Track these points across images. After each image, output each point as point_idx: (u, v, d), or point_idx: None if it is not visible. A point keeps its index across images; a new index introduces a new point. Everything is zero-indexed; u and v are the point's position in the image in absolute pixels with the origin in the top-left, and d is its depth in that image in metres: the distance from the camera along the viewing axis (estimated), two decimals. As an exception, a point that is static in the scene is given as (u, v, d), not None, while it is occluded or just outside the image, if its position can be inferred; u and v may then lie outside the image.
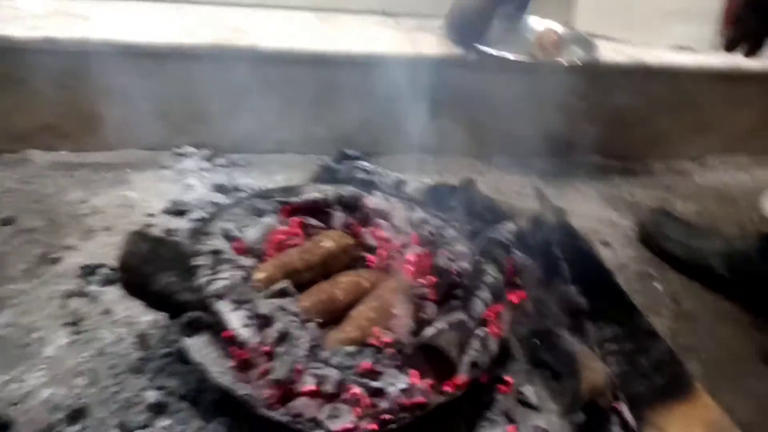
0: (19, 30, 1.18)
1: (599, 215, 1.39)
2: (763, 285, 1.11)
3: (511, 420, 0.82)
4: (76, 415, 0.76)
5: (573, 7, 1.57)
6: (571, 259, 1.03)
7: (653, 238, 1.27)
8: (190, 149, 1.32)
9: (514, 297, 1.00)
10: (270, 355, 0.74)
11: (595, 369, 0.85)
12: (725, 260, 1.16)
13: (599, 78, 1.48)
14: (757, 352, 1.06)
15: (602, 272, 1.07)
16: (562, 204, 1.35)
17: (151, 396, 0.78)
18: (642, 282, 1.19)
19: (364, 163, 1.25)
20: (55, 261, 1.00)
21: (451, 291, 0.89)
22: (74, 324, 0.89)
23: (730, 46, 0.98)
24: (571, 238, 1.10)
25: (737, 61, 1.55)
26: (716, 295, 1.18)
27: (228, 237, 0.92)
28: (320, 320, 0.80)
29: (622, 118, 1.55)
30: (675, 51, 1.55)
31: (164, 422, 0.76)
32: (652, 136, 1.61)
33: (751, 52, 0.97)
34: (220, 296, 0.75)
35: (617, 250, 1.27)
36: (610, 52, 1.48)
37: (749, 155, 1.72)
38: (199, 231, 0.87)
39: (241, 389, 0.72)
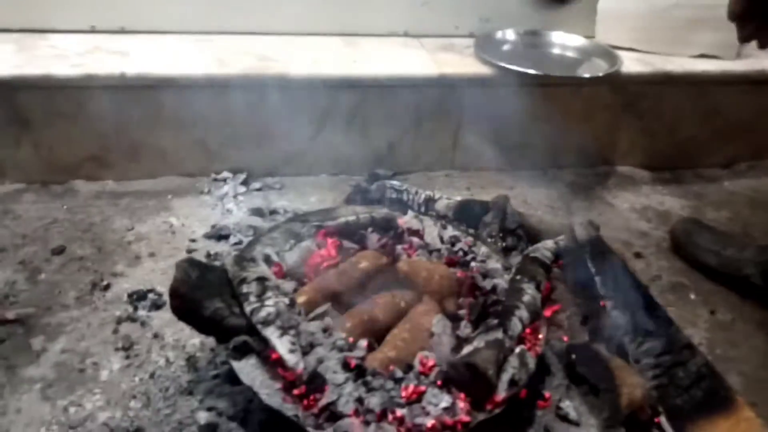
0: (62, 68, 1.24)
1: (630, 226, 1.39)
2: None
3: (551, 435, 0.83)
4: (134, 437, 0.80)
5: (595, 20, 1.59)
6: (605, 274, 1.04)
7: (686, 248, 1.27)
8: (228, 174, 1.37)
9: (548, 312, 1.02)
10: (315, 379, 0.76)
11: (634, 383, 0.86)
12: (761, 269, 1.15)
13: (624, 89, 1.49)
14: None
15: (636, 285, 1.08)
16: (591, 216, 1.37)
17: (202, 417, 0.81)
18: (677, 293, 1.19)
19: (395, 183, 1.28)
20: (106, 288, 1.05)
21: (487, 309, 0.91)
22: (126, 349, 0.93)
23: (743, 41, 0.99)
24: (604, 252, 1.11)
25: (762, 66, 1.55)
26: (752, 304, 1.17)
27: (269, 262, 0.96)
28: (366, 341, 0.82)
29: (648, 127, 1.56)
30: (699, 59, 1.56)
31: (216, 442, 0.79)
32: (680, 145, 1.61)
33: (764, 45, 0.97)
34: (267, 322, 0.78)
35: (651, 262, 1.27)
36: (633, 63, 1.49)
37: (779, 160, 1.70)
38: (243, 257, 0.91)
39: (290, 410, 0.75)
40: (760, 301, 1.17)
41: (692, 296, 1.19)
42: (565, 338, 1.02)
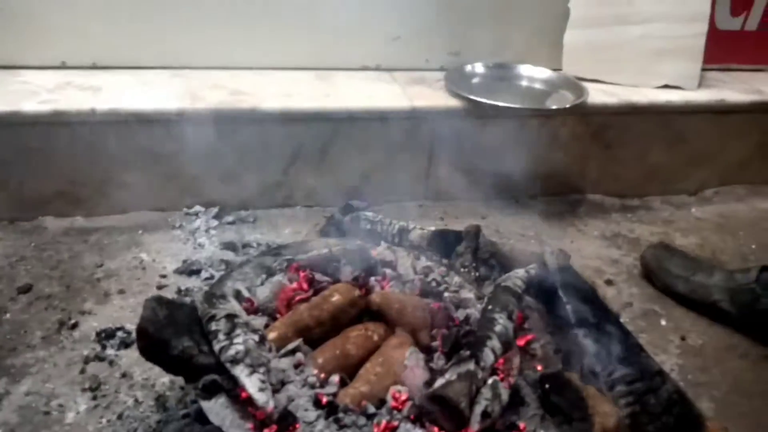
0: (30, 105, 1.23)
1: (601, 253, 1.41)
2: None
3: (526, 466, 0.83)
4: (99, 482, 0.77)
5: (562, 52, 1.63)
6: (576, 303, 1.05)
7: (656, 275, 1.29)
8: (200, 209, 1.36)
9: (522, 341, 1.03)
10: (286, 417, 0.75)
11: (606, 411, 0.86)
12: (730, 295, 1.17)
13: (591, 120, 1.53)
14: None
15: (607, 313, 1.09)
16: (563, 244, 1.38)
17: (171, 459, 0.79)
18: (648, 319, 1.21)
19: (369, 214, 1.28)
20: (73, 326, 1.03)
21: (460, 340, 0.91)
22: (94, 389, 0.91)
23: None
24: (574, 280, 1.12)
25: (722, 96, 1.61)
26: (724, 330, 1.19)
27: (239, 297, 0.95)
28: (339, 376, 0.82)
29: (616, 156, 1.60)
30: (663, 90, 1.61)
31: (185, 485, 0.77)
32: (648, 173, 1.65)
33: None
34: (236, 361, 0.77)
35: (622, 289, 1.29)
36: (599, 95, 1.54)
37: (745, 186, 1.75)
38: (212, 294, 0.90)
39: (260, 450, 0.73)
40: (731, 327, 1.19)
41: (663, 322, 1.21)
42: (539, 367, 1.02)
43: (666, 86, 1.62)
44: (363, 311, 0.97)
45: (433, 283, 1.06)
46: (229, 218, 1.36)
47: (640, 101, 1.54)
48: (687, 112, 1.59)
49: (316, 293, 0.98)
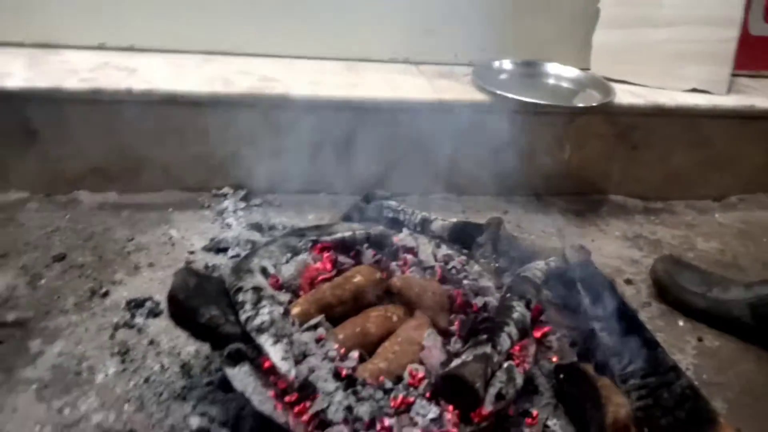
0: (71, 82, 1.28)
1: (622, 254, 1.41)
2: None
3: (537, 452, 0.85)
4: (126, 439, 0.81)
5: (590, 52, 1.64)
6: (595, 296, 1.06)
7: (668, 291, 1.24)
8: (228, 190, 1.40)
9: (538, 333, 1.04)
10: (306, 387, 0.78)
11: (619, 402, 0.88)
12: (751, 310, 1.14)
13: (617, 120, 1.53)
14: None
15: (625, 308, 1.10)
16: (584, 242, 1.39)
17: (195, 422, 0.83)
18: (665, 319, 1.21)
19: (392, 203, 1.30)
20: (104, 295, 1.07)
21: (477, 326, 0.92)
22: (122, 354, 0.95)
23: None
24: (594, 275, 1.13)
25: (752, 101, 1.60)
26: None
27: (265, 273, 0.98)
28: (358, 352, 0.84)
29: (640, 158, 1.60)
30: (691, 93, 1.60)
31: (207, 447, 0.80)
32: (673, 176, 1.65)
33: None
34: (261, 330, 0.80)
35: (641, 288, 1.29)
36: (626, 95, 1.54)
37: (769, 193, 1.74)
38: (240, 268, 0.93)
39: (281, 417, 0.76)
40: (753, 341, 1.16)
41: (681, 323, 1.21)
42: (554, 359, 1.04)
43: (694, 90, 1.61)
44: (384, 294, 1.00)
45: (453, 271, 1.08)
46: (257, 201, 1.39)
47: (668, 103, 1.54)
48: (714, 117, 1.58)
49: (338, 274, 1.01)
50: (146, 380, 0.90)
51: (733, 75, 1.65)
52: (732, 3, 1.58)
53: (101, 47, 1.47)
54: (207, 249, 1.21)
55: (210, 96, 1.33)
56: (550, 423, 0.91)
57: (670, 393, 0.93)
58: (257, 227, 1.29)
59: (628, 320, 1.05)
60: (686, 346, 1.15)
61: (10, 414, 0.84)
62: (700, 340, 1.17)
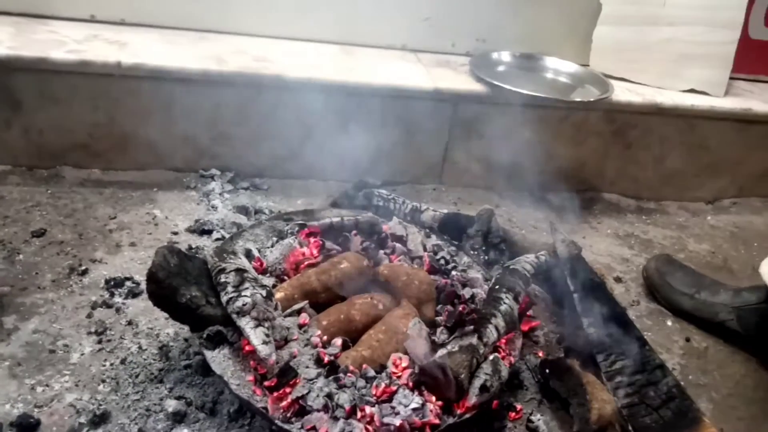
0: (58, 53, 1.24)
1: (612, 251, 1.40)
2: None
3: (520, 446, 0.83)
4: (99, 420, 0.78)
5: (589, 48, 1.62)
6: (584, 293, 1.05)
7: (658, 290, 1.24)
8: (216, 172, 1.37)
9: (525, 327, 1.03)
10: (287, 372, 0.76)
11: (604, 399, 0.87)
12: (737, 314, 1.14)
13: (614, 117, 1.51)
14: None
15: (613, 306, 1.08)
16: (575, 239, 1.37)
17: (171, 405, 0.81)
18: (653, 318, 1.20)
19: (382, 191, 1.28)
20: (83, 273, 1.04)
21: (464, 317, 0.91)
22: (99, 333, 0.92)
23: None
24: (584, 271, 1.12)
25: (749, 105, 1.59)
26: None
27: (249, 256, 0.95)
28: (341, 339, 0.82)
29: (636, 157, 1.59)
30: (689, 94, 1.59)
31: (183, 431, 0.78)
32: (667, 176, 1.63)
33: None
34: (243, 313, 0.78)
35: (630, 287, 1.28)
36: (624, 93, 1.52)
37: (762, 198, 1.73)
38: (224, 249, 0.91)
39: (259, 402, 0.74)
40: (737, 344, 1.16)
41: (669, 323, 1.20)
42: (541, 354, 1.03)
43: (692, 91, 1.60)
44: (370, 282, 0.98)
45: (442, 261, 1.06)
46: (244, 184, 1.37)
47: (665, 102, 1.53)
48: (711, 119, 1.57)
49: (325, 260, 0.99)
50: (123, 361, 0.88)
51: (731, 78, 1.64)
52: (735, 5, 1.57)
53: (91, 19, 1.43)
54: (191, 230, 1.19)
55: (201, 73, 1.29)
56: (534, 418, 0.90)
57: (656, 391, 0.92)
58: (243, 210, 1.26)
59: (616, 318, 1.04)
60: (673, 346, 1.15)
61: (-20, 390, 0.81)
62: (687, 340, 1.16)
